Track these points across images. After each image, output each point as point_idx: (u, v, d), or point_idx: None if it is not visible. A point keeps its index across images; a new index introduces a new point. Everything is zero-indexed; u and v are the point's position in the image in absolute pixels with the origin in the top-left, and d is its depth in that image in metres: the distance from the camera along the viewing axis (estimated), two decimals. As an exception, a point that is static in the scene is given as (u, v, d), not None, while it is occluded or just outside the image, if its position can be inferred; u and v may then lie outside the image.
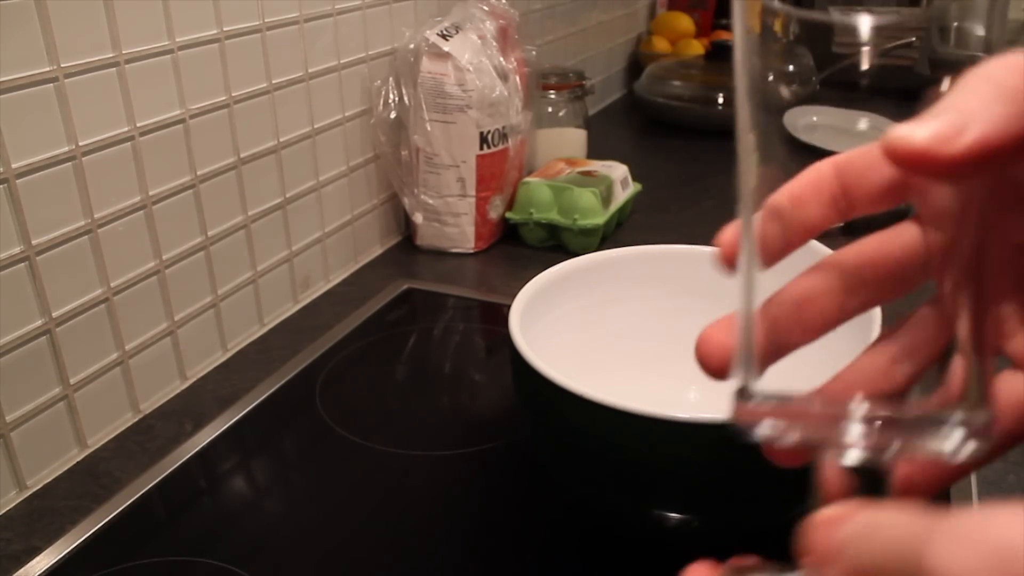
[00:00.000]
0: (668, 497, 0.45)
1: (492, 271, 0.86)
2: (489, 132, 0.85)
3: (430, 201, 0.87)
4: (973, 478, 0.53)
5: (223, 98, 0.65)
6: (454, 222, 0.88)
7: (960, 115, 0.17)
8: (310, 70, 0.74)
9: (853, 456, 0.21)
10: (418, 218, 0.88)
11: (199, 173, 0.64)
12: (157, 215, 0.61)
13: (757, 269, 0.22)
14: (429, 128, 0.84)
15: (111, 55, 0.55)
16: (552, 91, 1.03)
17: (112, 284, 0.58)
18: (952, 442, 0.20)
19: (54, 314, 0.54)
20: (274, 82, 0.70)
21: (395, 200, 0.90)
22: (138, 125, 0.58)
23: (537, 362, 0.45)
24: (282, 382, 0.66)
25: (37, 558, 0.49)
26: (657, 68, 1.39)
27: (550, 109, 1.04)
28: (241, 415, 0.62)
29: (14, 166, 0.50)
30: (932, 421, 0.21)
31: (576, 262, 0.57)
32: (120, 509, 0.52)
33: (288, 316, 0.77)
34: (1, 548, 0.50)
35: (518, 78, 0.87)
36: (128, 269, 0.59)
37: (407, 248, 0.91)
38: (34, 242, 0.52)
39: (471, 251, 0.89)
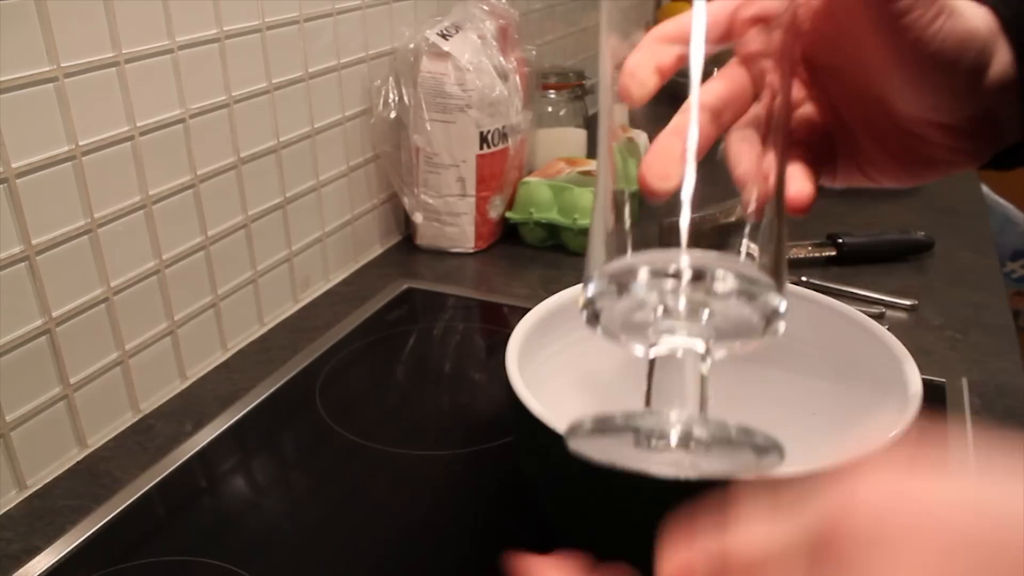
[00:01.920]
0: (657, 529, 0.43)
1: (492, 271, 0.86)
2: (489, 132, 0.85)
3: (430, 201, 0.87)
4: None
5: (223, 98, 0.65)
6: (454, 222, 0.88)
7: None
8: (310, 70, 0.74)
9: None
10: (418, 218, 0.88)
11: (199, 173, 0.64)
12: (157, 215, 0.61)
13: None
14: (429, 128, 0.84)
15: (111, 55, 0.55)
16: (552, 91, 1.03)
17: (112, 284, 0.58)
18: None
19: (54, 314, 0.54)
20: (274, 82, 0.70)
21: (395, 200, 0.90)
22: (138, 125, 0.58)
23: (532, 402, 0.41)
24: (282, 382, 0.66)
25: (37, 558, 0.49)
26: (657, 68, 1.39)
27: (550, 109, 1.04)
28: (241, 415, 0.62)
29: (14, 166, 0.50)
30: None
31: (575, 290, 0.55)
32: (120, 509, 0.53)
33: (288, 316, 0.77)
34: (1, 548, 0.50)
35: (518, 78, 0.87)
36: (128, 269, 0.59)
37: (407, 248, 0.91)
38: (34, 242, 0.52)
39: (471, 251, 0.89)
